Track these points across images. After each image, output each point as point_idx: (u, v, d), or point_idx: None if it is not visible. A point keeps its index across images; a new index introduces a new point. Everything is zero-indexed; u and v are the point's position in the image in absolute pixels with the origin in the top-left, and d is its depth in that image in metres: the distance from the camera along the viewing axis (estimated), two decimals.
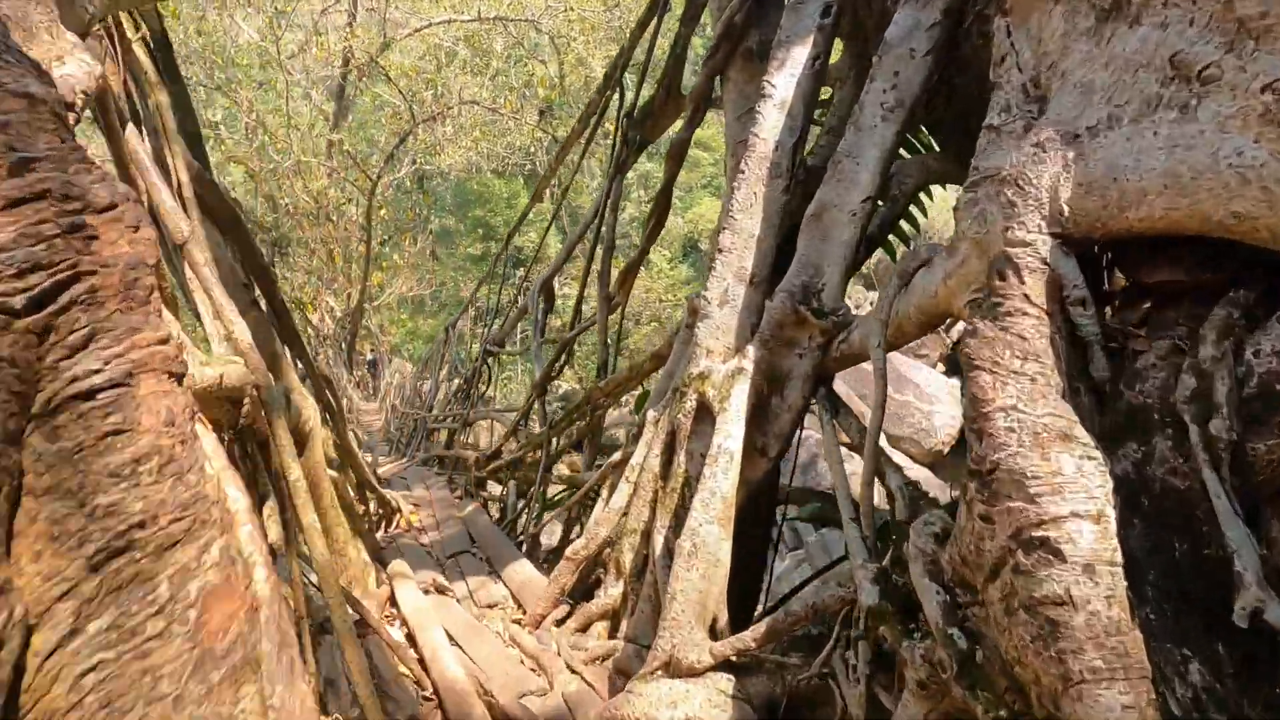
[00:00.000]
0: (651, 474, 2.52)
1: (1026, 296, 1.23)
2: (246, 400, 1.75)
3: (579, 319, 4.30)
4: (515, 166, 23.73)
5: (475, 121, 19.84)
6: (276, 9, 17.79)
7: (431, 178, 24.30)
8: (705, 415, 2.34)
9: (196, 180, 2.61)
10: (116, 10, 1.65)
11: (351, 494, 4.04)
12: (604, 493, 2.97)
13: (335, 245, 18.95)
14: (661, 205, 3.29)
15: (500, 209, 23.18)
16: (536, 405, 4.53)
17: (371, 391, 19.01)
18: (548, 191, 25.05)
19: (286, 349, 3.08)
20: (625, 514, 2.62)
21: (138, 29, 2.74)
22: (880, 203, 2.23)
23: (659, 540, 2.40)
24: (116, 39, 2.35)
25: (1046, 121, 1.34)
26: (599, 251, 4.13)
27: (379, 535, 4.48)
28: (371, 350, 20.66)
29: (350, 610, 2.52)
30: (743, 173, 2.34)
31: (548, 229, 6.37)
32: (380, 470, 7.97)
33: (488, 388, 6.26)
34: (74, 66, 1.05)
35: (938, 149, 2.78)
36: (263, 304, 3.02)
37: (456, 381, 8.89)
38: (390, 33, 18.77)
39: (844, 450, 2.23)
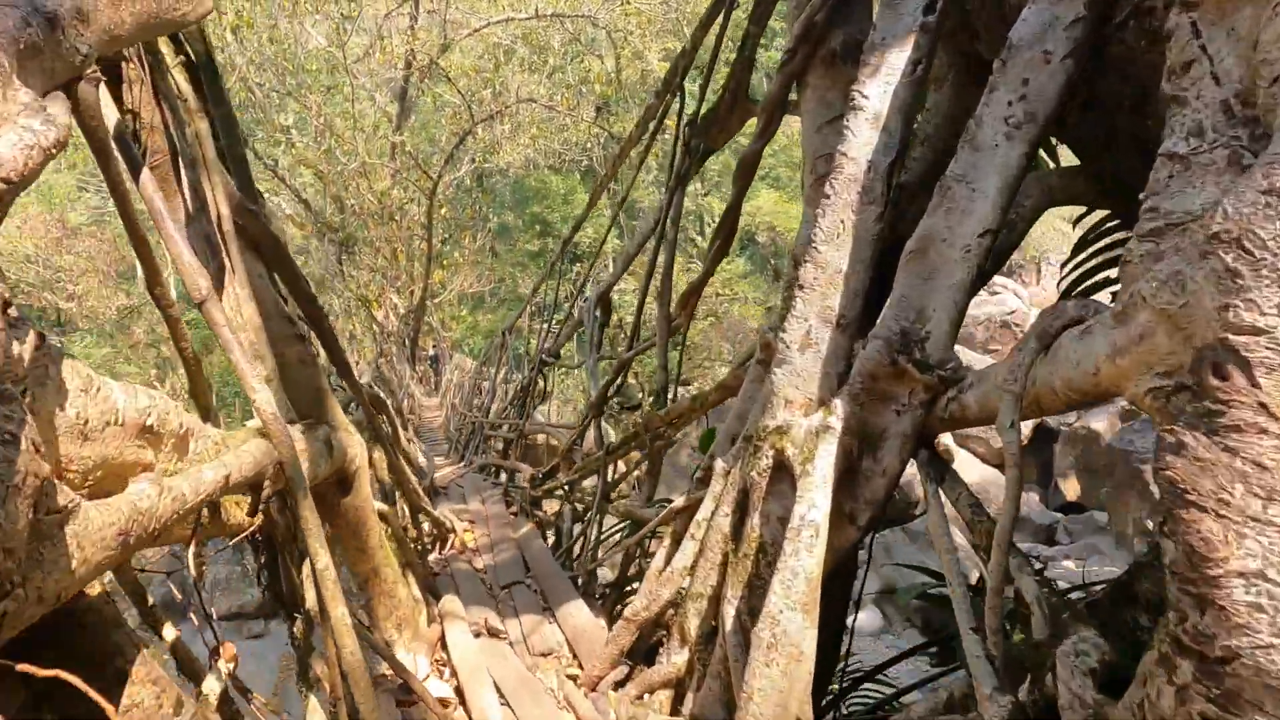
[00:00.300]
0: (721, 534, 2.23)
1: (1264, 406, 0.88)
2: (267, 483, 1.55)
3: (637, 339, 4.02)
4: (572, 163, 23.64)
5: (533, 119, 19.77)
6: (343, 14, 18.08)
7: (490, 175, 24.46)
8: (783, 475, 2.03)
9: (238, 211, 2.45)
10: (132, 43, 1.45)
11: (404, 523, 3.90)
12: (665, 541, 2.69)
13: (399, 244, 19.24)
14: (729, 225, 2.97)
15: (557, 205, 23.14)
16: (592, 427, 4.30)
17: (433, 387, 19.28)
18: (606, 190, 24.84)
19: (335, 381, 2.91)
20: (691, 574, 2.34)
21: (179, 52, 2.58)
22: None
23: (729, 611, 2.11)
24: (147, 67, 2.19)
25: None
26: (658, 266, 3.85)
27: (434, 557, 4.34)
28: (434, 346, 20.95)
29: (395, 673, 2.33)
30: (828, 197, 2.01)
31: (607, 232, 6.14)
32: (438, 474, 7.92)
33: (543, 399, 6.07)
34: (9, 140, 0.82)
35: (1056, 161, 2.38)
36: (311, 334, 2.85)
37: (513, 386, 8.78)
38: (450, 34, 18.86)
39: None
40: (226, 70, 16.62)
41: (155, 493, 0.92)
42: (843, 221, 1.98)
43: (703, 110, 3.39)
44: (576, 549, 4.16)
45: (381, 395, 5.55)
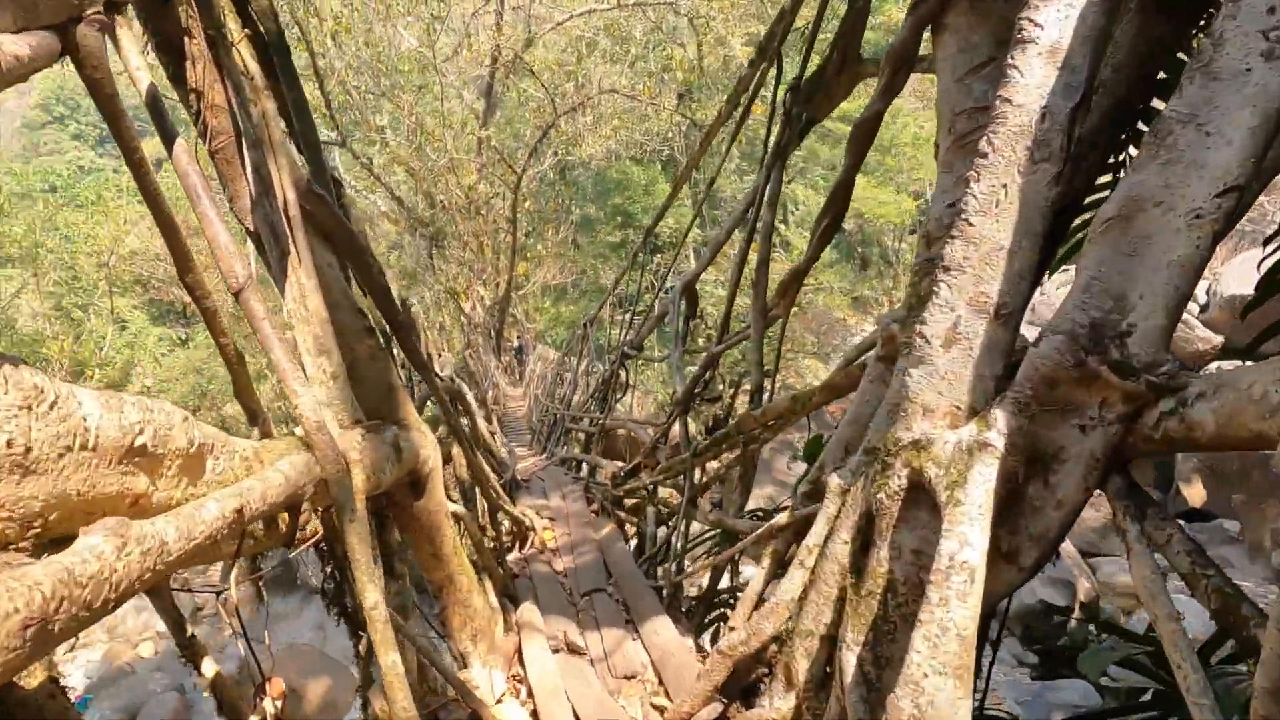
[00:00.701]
0: (837, 564, 1.86)
1: None
2: (307, 504, 1.31)
3: (727, 331, 3.66)
4: (653, 153, 23.31)
5: (614, 110, 19.59)
6: (433, 15, 18.42)
7: (573, 168, 24.50)
8: (921, 499, 1.64)
9: (305, 196, 2.26)
10: None
11: (483, 523, 3.71)
12: (763, 562, 2.34)
13: (485, 237, 19.54)
14: (839, 201, 2.56)
15: (639, 195, 22.91)
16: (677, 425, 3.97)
17: (518, 377, 19.51)
18: (689, 180, 24.41)
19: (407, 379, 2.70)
20: (799, 607, 1.98)
21: (247, 29, 2.42)
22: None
23: (849, 658, 1.74)
24: (211, 43, 2.01)
25: None
26: (752, 253, 3.47)
27: (513, 556, 4.16)
28: (518, 337, 21.22)
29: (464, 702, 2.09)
30: (985, 156, 1.59)
31: (691, 223, 5.77)
32: (520, 466, 7.83)
33: (625, 392, 5.81)
34: None
35: None
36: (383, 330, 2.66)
37: (595, 378, 8.58)
38: (534, 29, 18.89)
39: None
40: (327, 74, 17.27)
41: (112, 549, 0.67)
42: (1005, 186, 1.56)
43: (806, 74, 2.98)
44: (661, 556, 3.86)
45: (464, 389, 5.43)
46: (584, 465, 6.26)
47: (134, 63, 1.42)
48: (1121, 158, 2.06)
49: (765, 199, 3.12)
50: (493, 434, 6.16)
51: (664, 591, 3.33)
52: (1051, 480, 1.49)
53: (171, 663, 14.60)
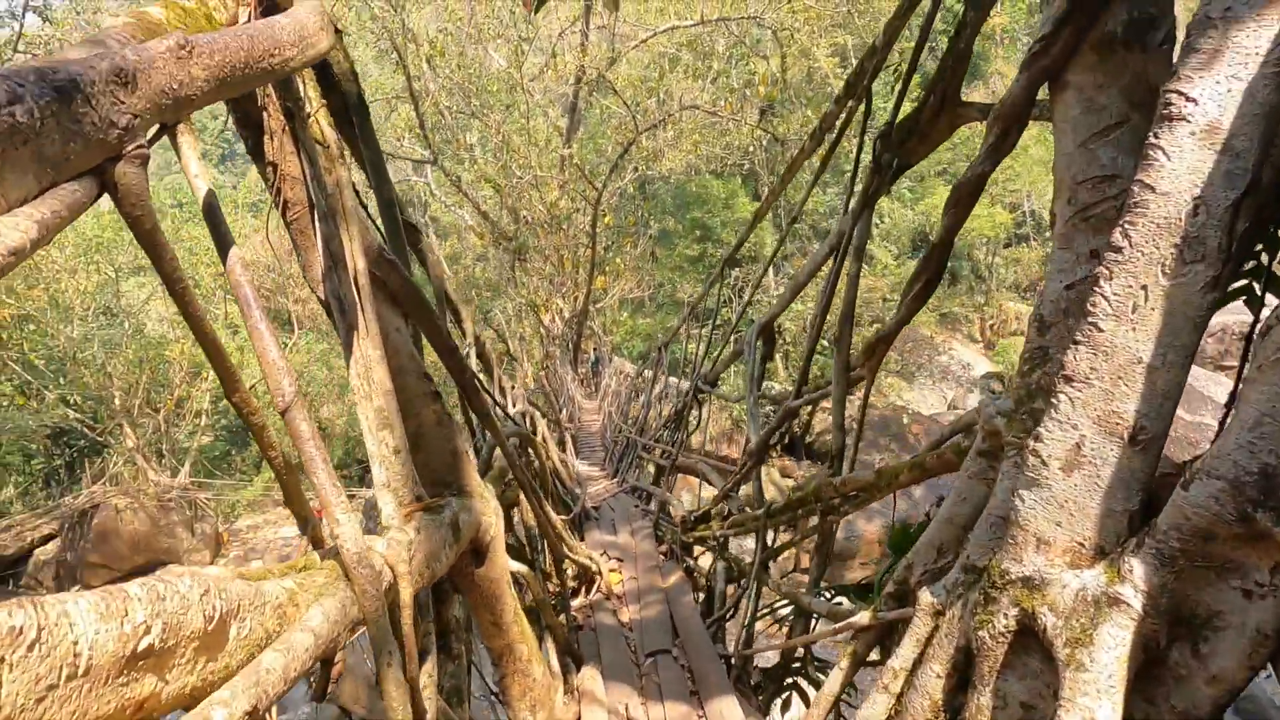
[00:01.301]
0: (929, 699, 1.63)
1: None
2: (340, 656, 1.24)
3: (807, 381, 3.43)
4: (733, 166, 23.04)
5: (695, 125, 19.46)
6: (521, 36, 18.90)
7: (652, 182, 24.53)
8: (1033, 646, 1.40)
9: (376, 263, 2.23)
10: (212, 102, 1.18)
11: (546, 573, 3.63)
12: (841, 662, 2.12)
13: (565, 251, 19.82)
14: (935, 263, 2.31)
15: (718, 209, 22.67)
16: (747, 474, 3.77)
17: (593, 389, 19.63)
18: (766, 189, 23.83)
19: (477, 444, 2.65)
20: None
21: (328, 94, 2.43)
22: None
23: None
24: (287, 114, 2.01)
25: None
26: (836, 297, 3.25)
27: (578, 602, 4.06)
28: (594, 349, 21.38)
29: None
30: (1119, 250, 1.34)
31: (778, 247, 5.54)
32: (591, 490, 7.78)
33: (696, 427, 5.63)
34: None
35: None
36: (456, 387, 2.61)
37: (668, 404, 8.44)
38: (619, 47, 19.04)
39: None
40: (422, 96, 18.01)
41: None
42: (1145, 288, 1.31)
43: (899, 117, 2.74)
44: (729, 614, 3.67)
45: (537, 419, 5.41)
46: (653, 498, 6.13)
47: (193, 170, 1.39)
48: None
49: (851, 246, 2.89)
50: (564, 463, 6.13)
51: (731, 661, 3.13)
52: (1203, 650, 1.23)
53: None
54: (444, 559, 1.88)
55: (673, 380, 9.58)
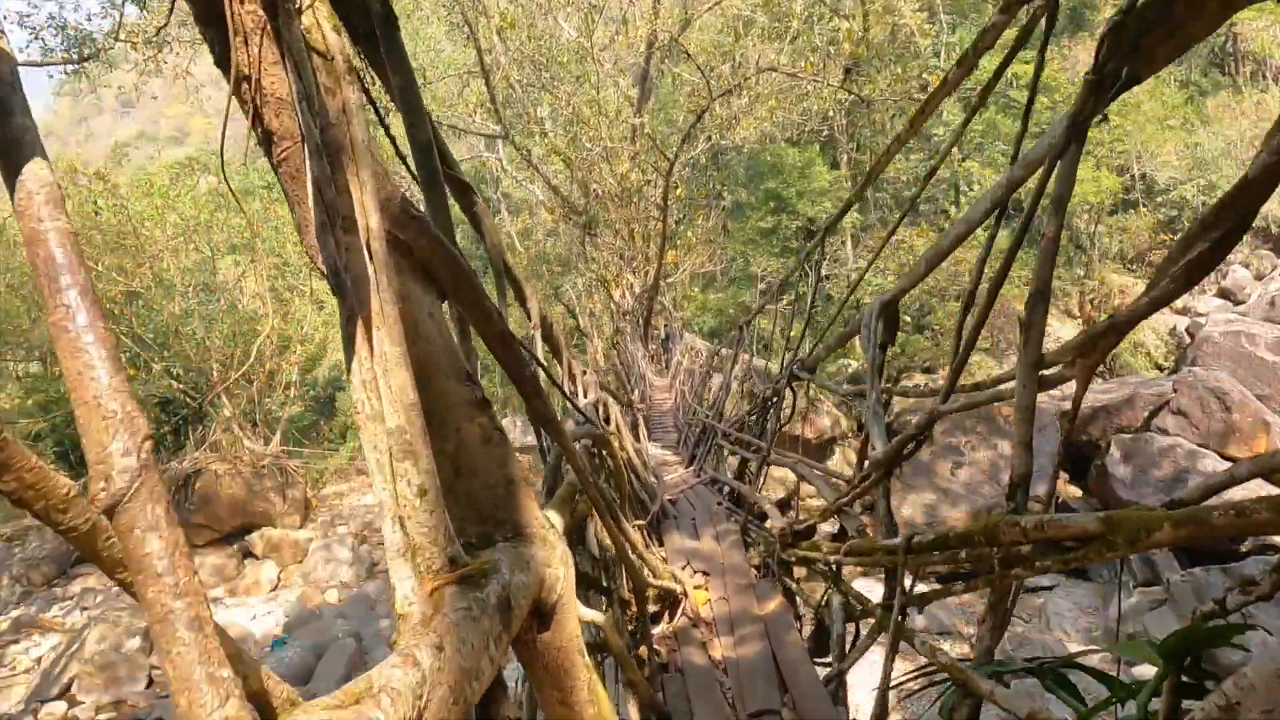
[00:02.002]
0: None
1: None
2: None
3: (959, 377, 2.58)
4: (811, 133, 21.55)
5: (771, 89, 18.16)
6: (591, 4, 18.04)
7: (724, 152, 23.32)
8: None
9: (397, 221, 1.56)
10: None
11: (624, 600, 2.97)
12: None
13: (636, 225, 19.08)
14: (1239, 213, 1.45)
15: (793, 179, 21.26)
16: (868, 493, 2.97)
17: (664, 365, 18.95)
18: (845, 156, 22.27)
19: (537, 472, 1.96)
20: None
21: None
22: None
23: None
24: (255, 6, 1.34)
25: None
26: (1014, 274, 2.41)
27: (660, 629, 3.41)
28: (665, 325, 20.64)
29: None
30: None
31: (896, 225, 4.64)
32: (667, 478, 7.12)
33: (790, 419, 4.83)
34: None
35: None
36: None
37: (748, 385, 7.63)
38: (692, 10, 17.91)
39: None
40: (493, 70, 17.50)
41: None
42: None
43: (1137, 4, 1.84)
44: (853, 653, 2.92)
45: (607, 411, 4.76)
46: (737, 494, 5.40)
47: None
48: None
49: (1053, 202, 2.02)
50: (640, 454, 5.47)
51: None
52: None
53: (351, 609, 15.80)
54: (487, 669, 1.22)
55: (755, 374, 8.75)
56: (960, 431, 18.64)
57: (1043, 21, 2.49)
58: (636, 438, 7.30)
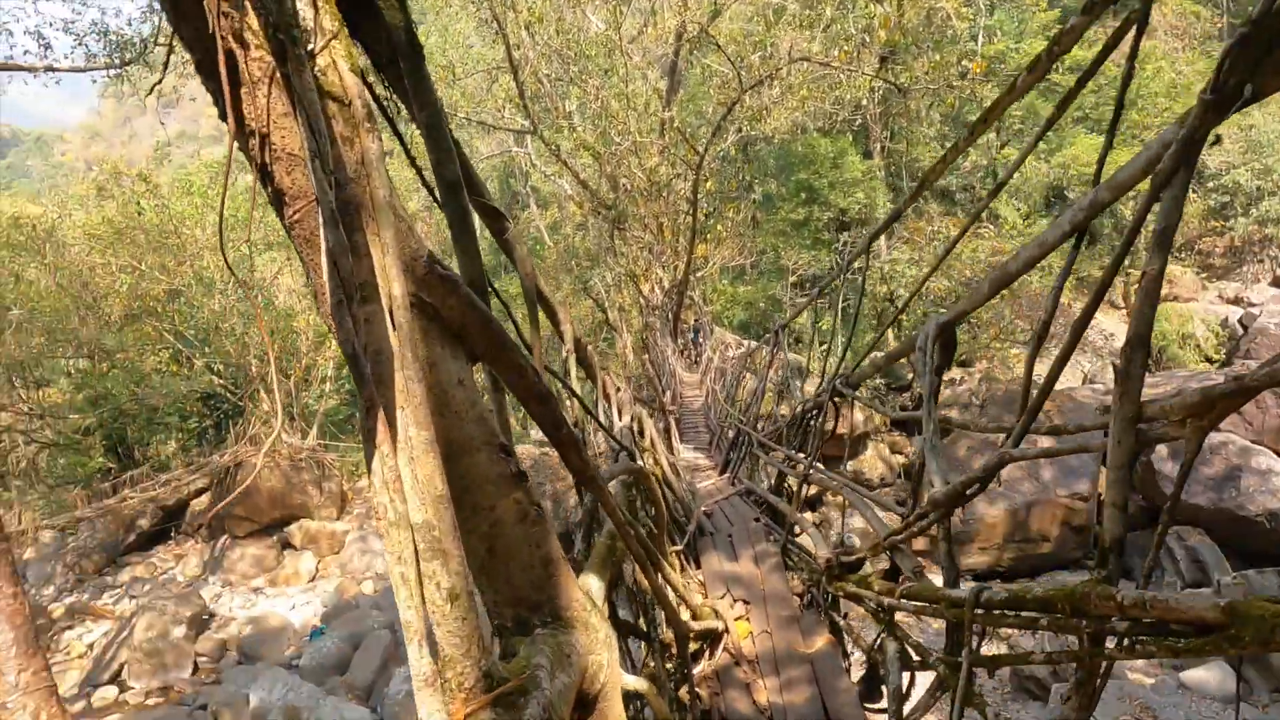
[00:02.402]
0: None
1: None
2: None
3: (1031, 421, 2.34)
4: (843, 124, 20.96)
5: (802, 79, 17.65)
6: None
7: (754, 143, 22.84)
8: None
9: (423, 283, 1.39)
10: None
11: (665, 644, 2.80)
12: None
13: (665, 219, 18.80)
14: None
15: (825, 170, 20.73)
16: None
17: (694, 359, 18.71)
18: (879, 146, 21.63)
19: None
20: None
21: (356, 28, 1.58)
22: None
23: None
24: (264, 52, 1.17)
25: None
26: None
27: (700, 669, 3.24)
28: (695, 318, 20.38)
29: None
30: None
31: (962, 231, 4.34)
32: (700, 486, 6.93)
33: (830, 435, 4.59)
34: None
35: None
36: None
37: (783, 387, 7.39)
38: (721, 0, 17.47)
39: None
40: (521, 65, 17.32)
41: None
42: None
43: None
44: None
45: (641, 425, 4.58)
46: (778, 513, 5.19)
47: None
48: None
49: (1154, 229, 1.77)
50: (674, 468, 5.28)
51: None
52: None
53: (387, 600, 15.98)
54: None
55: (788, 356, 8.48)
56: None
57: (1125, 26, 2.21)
58: (670, 445, 7.13)
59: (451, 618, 1.20)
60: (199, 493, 18.33)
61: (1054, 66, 2.59)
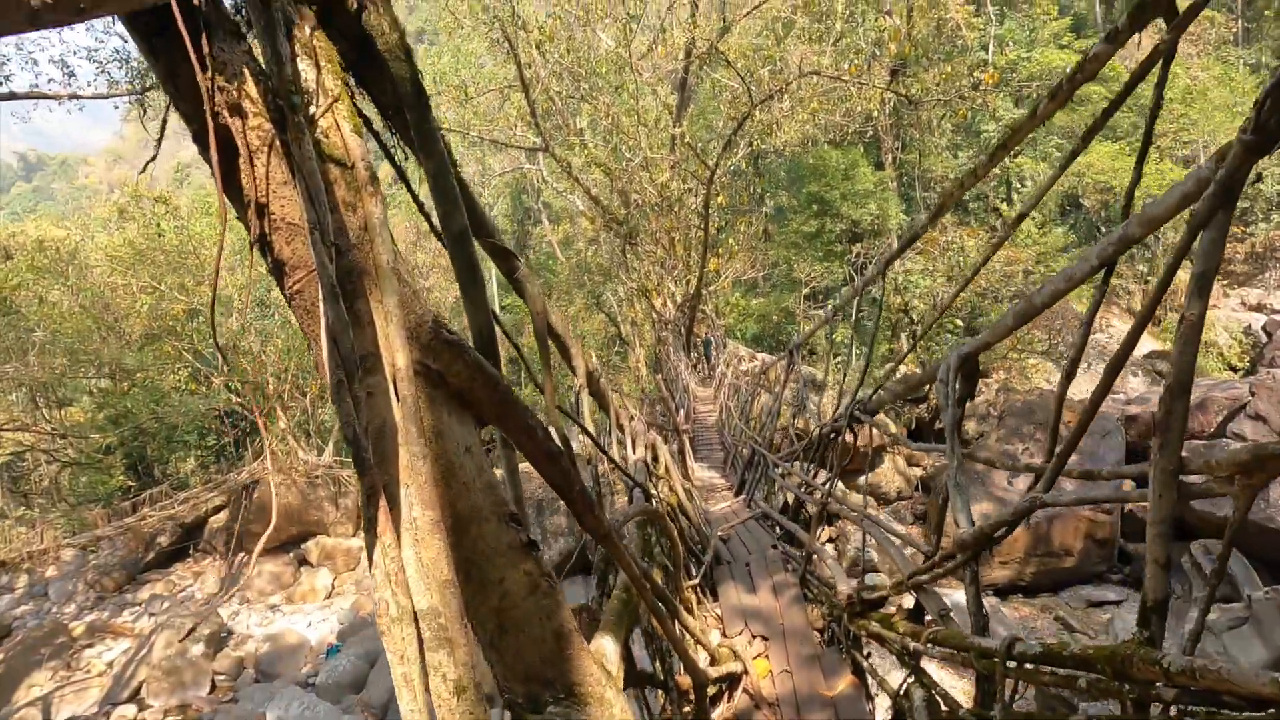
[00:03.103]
0: None
1: None
2: None
3: (1063, 465, 2.23)
4: (853, 135, 20.88)
5: (812, 92, 17.61)
6: (629, 14, 17.81)
7: (765, 156, 22.80)
8: None
9: (428, 350, 1.34)
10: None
11: (684, 691, 2.70)
12: None
13: (676, 233, 18.78)
14: None
15: (836, 182, 20.61)
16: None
17: (707, 373, 18.60)
18: (890, 157, 21.52)
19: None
20: None
21: (362, 79, 1.54)
22: None
23: None
24: (264, 120, 1.12)
25: None
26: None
27: (718, 713, 3.13)
28: (707, 331, 20.28)
29: None
30: None
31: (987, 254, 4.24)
32: (715, 510, 6.83)
33: (848, 462, 4.48)
34: None
35: None
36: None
37: (797, 403, 7.28)
38: (730, 15, 17.52)
39: None
40: (532, 83, 17.43)
41: None
42: None
43: None
44: None
45: (655, 453, 4.50)
46: (789, 532, 5.07)
47: None
48: None
49: (1195, 272, 1.68)
50: (689, 493, 5.17)
51: None
52: None
53: None
54: None
55: (809, 394, 8.38)
56: (1018, 438, 17.70)
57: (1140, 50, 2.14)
58: (685, 467, 7.03)
59: (459, 712, 1.13)
60: (217, 510, 18.44)
61: (1066, 72, 2.52)
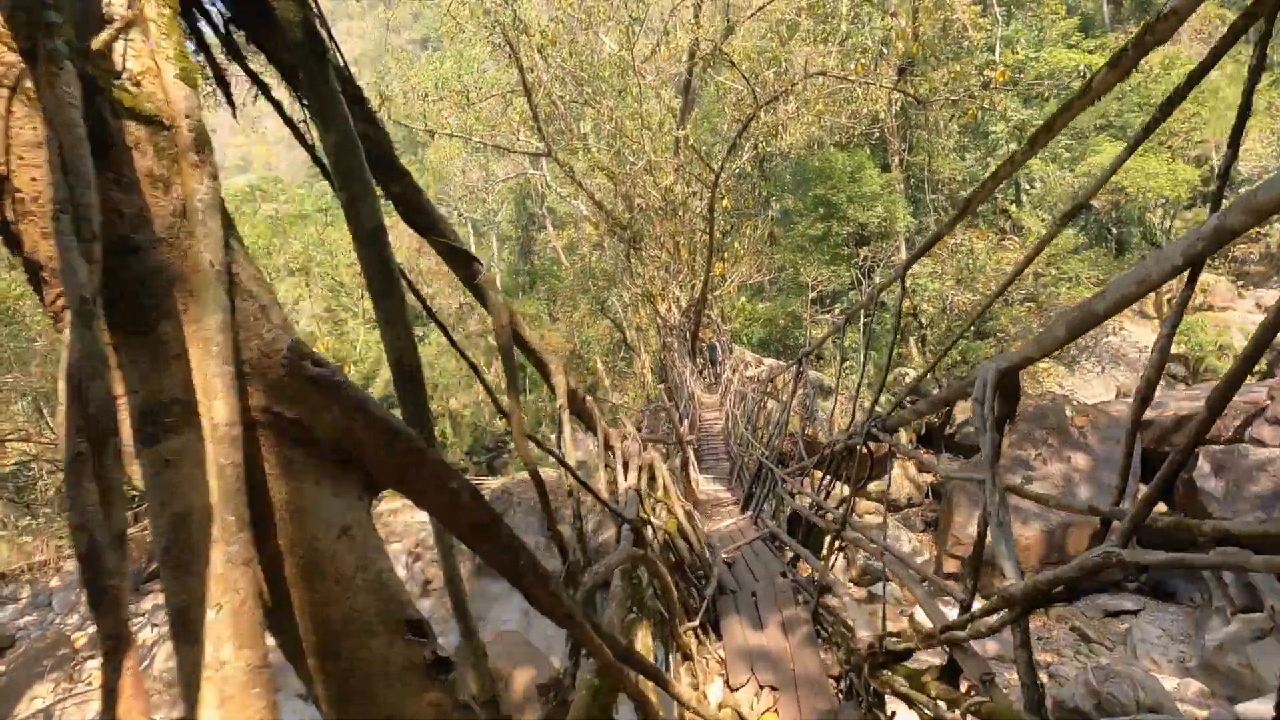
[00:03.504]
0: None
1: None
2: None
3: (1141, 523, 1.76)
4: (860, 137, 20.39)
5: (818, 94, 17.15)
6: (631, 17, 17.44)
7: (770, 159, 22.34)
8: None
9: (277, 388, 0.90)
10: None
11: None
12: None
13: (681, 238, 18.35)
14: None
15: (843, 184, 20.11)
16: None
17: (712, 379, 18.13)
18: (897, 158, 21.02)
19: None
20: None
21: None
22: None
23: None
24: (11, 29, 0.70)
25: None
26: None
27: None
28: (713, 336, 19.82)
29: None
30: None
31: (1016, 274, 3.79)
32: (720, 527, 6.37)
33: (864, 483, 4.01)
34: None
35: None
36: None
37: (808, 412, 6.82)
38: (733, 17, 17.11)
39: None
40: (535, 87, 17.05)
41: None
42: None
43: None
44: None
45: (654, 473, 4.06)
46: (803, 562, 4.62)
47: None
48: None
49: None
50: (690, 517, 4.70)
51: None
52: None
53: None
54: None
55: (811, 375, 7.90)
56: (1030, 443, 17.10)
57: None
58: (688, 480, 6.58)
59: None
60: None
61: (1077, 74, 2.10)
